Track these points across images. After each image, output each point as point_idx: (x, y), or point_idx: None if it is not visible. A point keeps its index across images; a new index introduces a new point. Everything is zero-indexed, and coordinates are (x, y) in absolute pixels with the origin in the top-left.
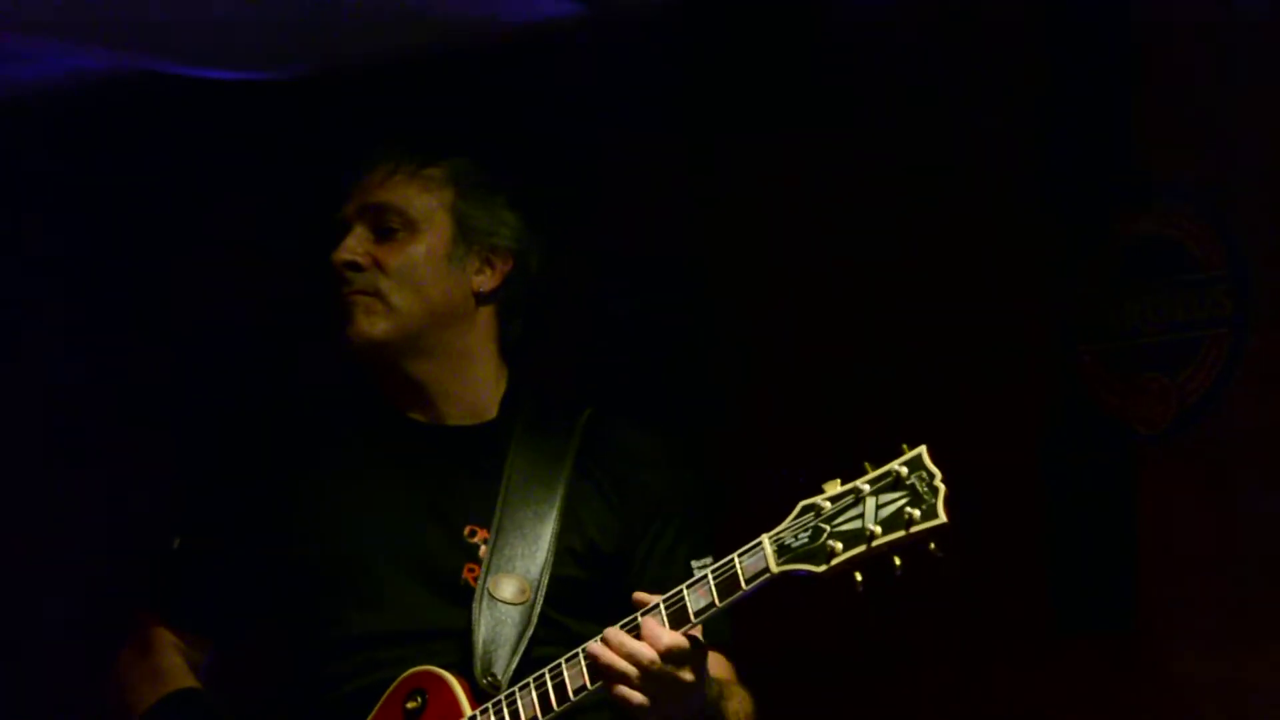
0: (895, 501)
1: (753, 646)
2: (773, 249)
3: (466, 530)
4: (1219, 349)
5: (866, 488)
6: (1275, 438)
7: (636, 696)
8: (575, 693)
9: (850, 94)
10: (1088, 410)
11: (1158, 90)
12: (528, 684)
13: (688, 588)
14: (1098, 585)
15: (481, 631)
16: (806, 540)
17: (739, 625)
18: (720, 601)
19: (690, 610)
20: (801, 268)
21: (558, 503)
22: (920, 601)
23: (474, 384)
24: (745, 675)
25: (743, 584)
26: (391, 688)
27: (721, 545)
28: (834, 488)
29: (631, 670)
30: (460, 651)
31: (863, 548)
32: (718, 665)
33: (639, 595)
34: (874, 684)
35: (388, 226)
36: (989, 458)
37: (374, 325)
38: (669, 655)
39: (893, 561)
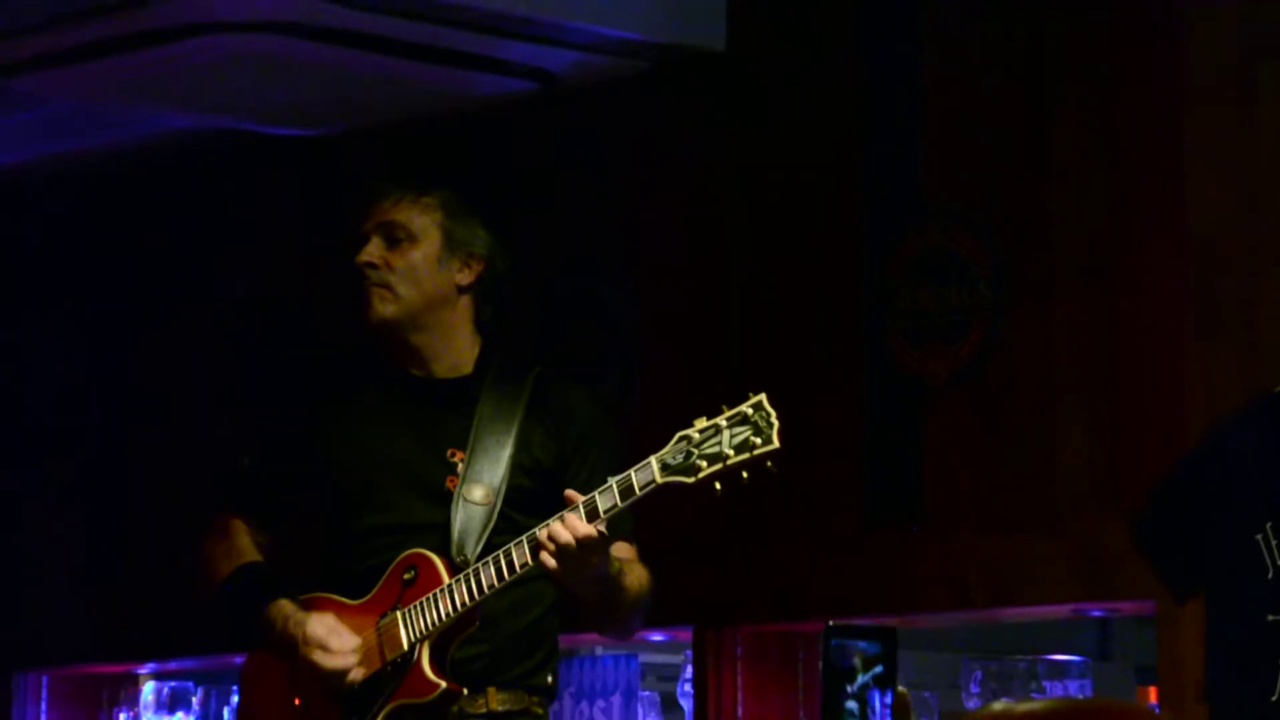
0: (743, 433)
1: (645, 535)
2: (674, 250)
3: (448, 452)
4: (983, 326)
5: (724, 423)
6: (1021, 387)
7: (551, 562)
8: (520, 567)
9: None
10: (892, 367)
11: (939, 140)
12: (488, 561)
13: (599, 493)
14: (898, 489)
15: (457, 524)
16: (681, 460)
17: (642, 521)
18: (621, 503)
19: (600, 509)
20: (699, 266)
21: (514, 433)
22: (767, 502)
23: (456, 349)
24: (643, 555)
25: (636, 490)
26: (393, 565)
27: (627, 465)
28: (701, 423)
29: (555, 548)
30: (441, 539)
31: (720, 466)
32: (624, 549)
33: (569, 493)
34: (734, 561)
35: (396, 237)
36: (825, 400)
37: (386, 309)
38: (583, 542)
39: (741, 475)
